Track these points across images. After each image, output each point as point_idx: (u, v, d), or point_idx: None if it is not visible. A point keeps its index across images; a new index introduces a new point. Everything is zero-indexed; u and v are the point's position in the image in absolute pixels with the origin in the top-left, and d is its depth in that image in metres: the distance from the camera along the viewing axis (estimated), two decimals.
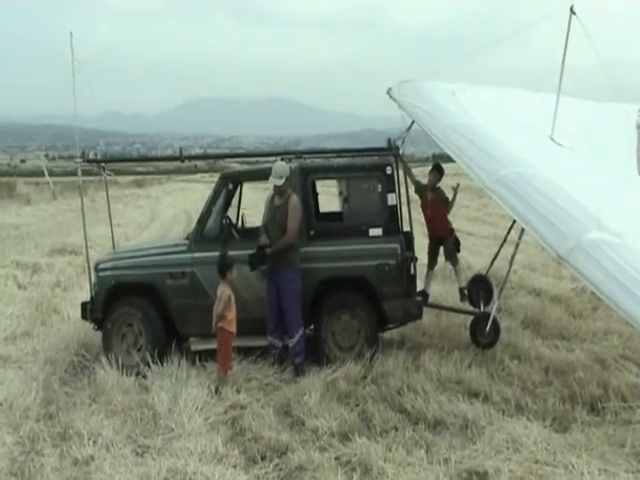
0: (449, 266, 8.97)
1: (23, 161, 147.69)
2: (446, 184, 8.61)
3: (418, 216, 8.43)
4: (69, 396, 6.67)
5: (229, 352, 6.82)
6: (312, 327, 7.60)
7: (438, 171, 8.49)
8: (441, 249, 8.56)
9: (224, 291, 6.77)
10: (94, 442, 5.44)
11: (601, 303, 7.67)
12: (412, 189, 8.26)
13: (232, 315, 6.79)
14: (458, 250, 8.54)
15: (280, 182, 7.14)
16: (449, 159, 6.97)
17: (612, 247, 5.30)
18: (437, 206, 8.38)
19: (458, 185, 8.48)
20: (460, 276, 8.52)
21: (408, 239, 7.74)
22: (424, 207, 8.47)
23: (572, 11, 7.62)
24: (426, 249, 8.62)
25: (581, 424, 5.64)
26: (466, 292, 8.37)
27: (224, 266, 6.85)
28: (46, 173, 41.65)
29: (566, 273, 10.53)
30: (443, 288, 10.04)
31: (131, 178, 59.96)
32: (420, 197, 8.50)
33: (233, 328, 6.79)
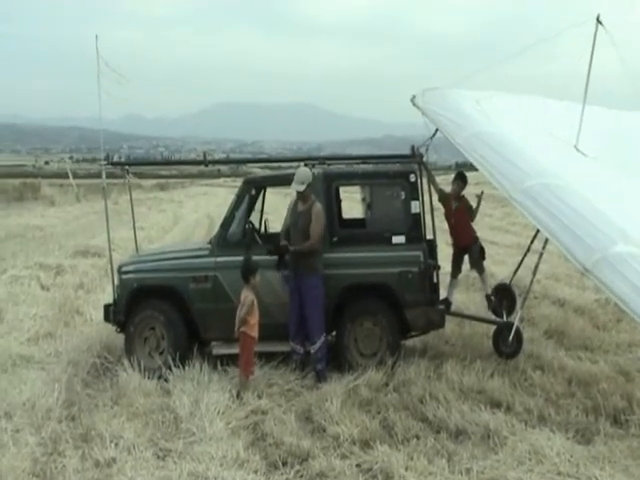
0: (472, 275, 8.93)
1: (47, 163, 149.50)
2: (469, 192, 8.57)
3: (441, 224, 8.40)
4: (91, 398, 6.71)
5: (251, 357, 6.84)
6: (334, 333, 7.59)
7: (462, 180, 8.46)
8: (466, 258, 8.52)
9: (247, 296, 6.79)
10: (116, 444, 5.47)
11: (625, 315, 7.57)
12: (436, 197, 8.23)
13: (255, 320, 6.80)
14: (483, 258, 8.50)
15: (302, 188, 7.16)
16: (472, 167, 6.93)
17: (638, 260, 5.25)
18: (461, 215, 8.35)
19: (482, 193, 8.44)
20: (486, 284, 8.48)
21: (431, 247, 7.72)
22: (448, 216, 8.44)
23: (599, 21, 7.56)
24: (449, 257, 8.58)
25: (604, 436, 5.59)
26: (492, 299, 8.32)
27: (248, 271, 6.87)
28: (70, 175, 42.12)
29: (590, 284, 10.43)
30: (466, 297, 10.00)
31: (154, 181, 60.45)
32: (444, 206, 8.47)
33: (255, 333, 6.81)
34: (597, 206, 5.95)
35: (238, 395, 6.51)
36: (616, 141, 8.33)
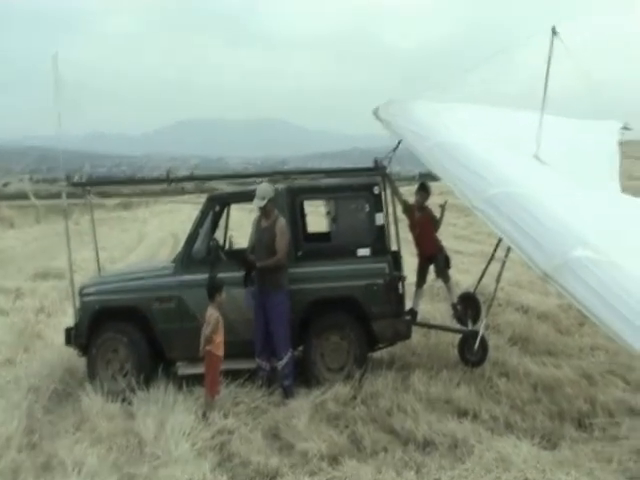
0: (437, 284, 8.96)
1: (6, 184, 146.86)
2: (433, 202, 8.62)
3: (405, 235, 8.43)
4: (53, 424, 6.56)
5: (217, 376, 6.74)
6: (301, 348, 7.55)
7: (425, 190, 8.50)
8: (431, 268, 8.54)
9: (212, 314, 6.70)
10: (78, 472, 5.33)
11: (587, 319, 7.68)
12: (399, 209, 8.26)
13: (220, 338, 6.72)
14: (449, 267, 8.53)
15: (262, 203, 7.14)
16: (435, 178, 6.97)
17: (597, 264, 5.32)
18: (425, 225, 8.38)
19: (446, 203, 8.48)
20: (452, 292, 8.51)
21: (396, 258, 7.75)
22: (412, 226, 8.46)
23: (554, 31, 7.70)
24: (414, 268, 8.60)
25: (569, 441, 5.67)
26: (458, 308, 8.36)
27: (213, 288, 6.79)
28: (31, 196, 41.42)
29: (552, 290, 10.53)
30: (431, 306, 10.02)
31: (117, 200, 59.79)
32: (408, 217, 8.49)
33: (221, 352, 6.72)
34: (557, 213, 6.03)
35: (204, 415, 6.42)
36: (575, 149, 8.47)
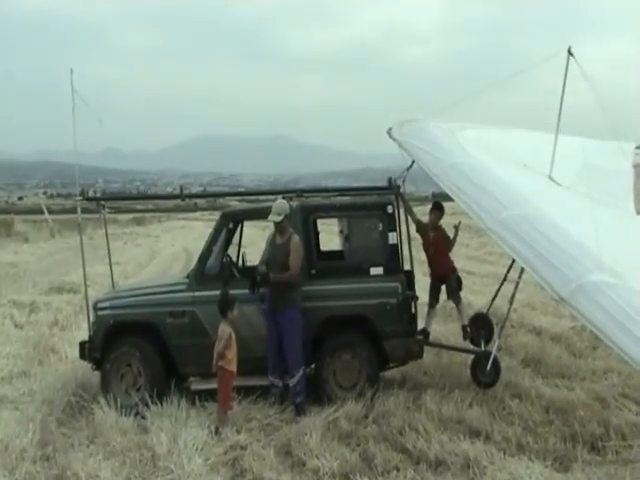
0: (450, 305, 8.96)
1: (21, 199, 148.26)
2: (446, 222, 8.65)
3: (418, 255, 8.45)
4: (66, 437, 6.59)
5: (229, 392, 6.77)
6: (313, 366, 7.56)
7: (439, 209, 8.52)
8: (443, 287, 8.55)
9: (225, 330, 6.74)
10: None
11: (601, 342, 7.65)
12: (413, 228, 8.29)
13: (232, 354, 6.75)
14: (460, 289, 8.53)
15: (278, 219, 7.19)
16: (448, 198, 7.01)
17: (613, 289, 5.31)
18: (439, 245, 8.39)
19: (459, 223, 8.50)
20: (463, 314, 8.50)
21: (409, 278, 7.77)
22: (426, 246, 8.47)
23: (570, 52, 7.75)
24: (427, 288, 8.61)
25: (582, 463, 5.62)
26: (469, 330, 8.35)
27: (225, 305, 6.84)
28: (46, 211, 41.77)
29: (565, 312, 10.52)
30: (444, 327, 10.02)
31: (130, 216, 60.17)
32: (422, 236, 8.51)
33: (233, 367, 6.75)
34: (572, 235, 6.04)
35: (217, 431, 6.43)
36: (589, 170, 8.48)
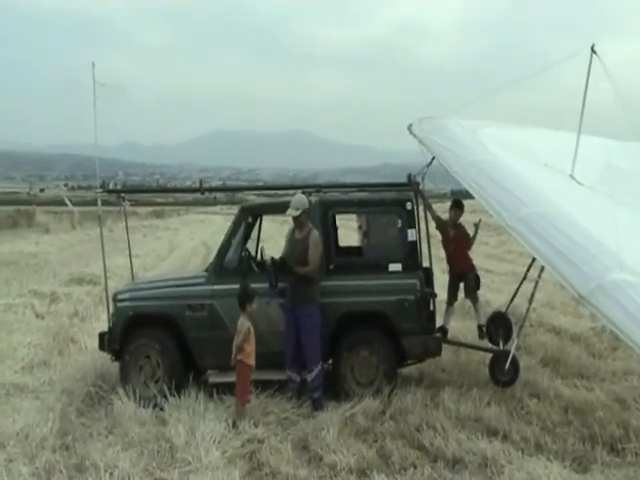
0: (468, 303, 8.91)
1: (42, 190, 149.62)
2: (466, 220, 8.61)
3: (437, 252, 8.42)
4: (86, 427, 6.66)
5: (247, 385, 6.80)
6: (330, 362, 7.57)
7: (458, 207, 8.48)
8: (461, 285, 8.52)
9: (243, 323, 6.77)
10: (110, 474, 5.40)
11: (621, 343, 7.60)
12: (432, 225, 8.26)
13: (251, 348, 6.78)
14: (478, 287, 8.49)
15: (296, 213, 7.19)
16: (468, 195, 6.97)
17: (634, 288, 5.26)
18: (459, 243, 8.36)
19: (480, 221, 8.47)
20: (480, 313, 8.45)
21: (428, 275, 7.74)
22: (446, 243, 8.44)
23: (593, 50, 7.65)
24: (445, 285, 8.58)
25: (601, 465, 5.58)
26: (484, 330, 8.31)
27: (245, 298, 6.86)
28: (69, 203, 42.13)
29: (585, 312, 10.46)
30: (462, 325, 9.98)
31: (150, 209, 60.57)
32: (441, 233, 8.48)
33: (252, 361, 6.78)
34: (593, 234, 5.98)
35: (234, 424, 6.47)
36: (611, 170, 8.39)
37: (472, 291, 8.42)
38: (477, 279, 8.48)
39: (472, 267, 8.44)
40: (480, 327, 8.35)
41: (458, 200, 8.74)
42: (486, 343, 8.34)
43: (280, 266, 7.11)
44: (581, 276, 5.45)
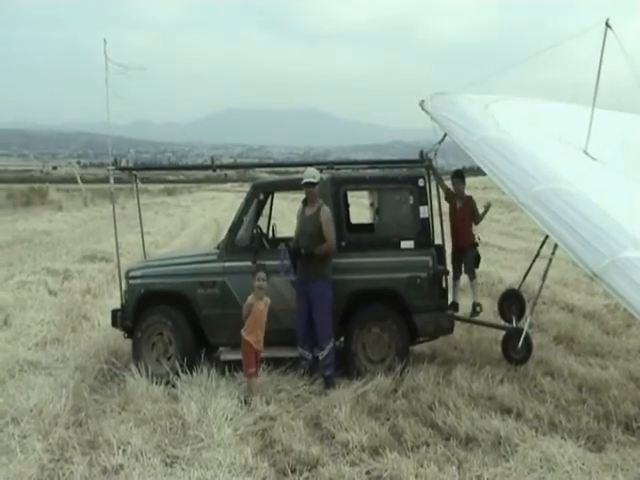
0: (480, 280, 8.85)
1: (55, 168, 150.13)
2: (479, 198, 8.51)
3: (449, 229, 8.34)
4: (99, 404, 6.69)
5: (250, 360, 6.74)
6: (342, 339, 7.55)
7: (457, 177, 8.42)
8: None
9: (247, 300, 6.76)
10: (123, 451, 5.43)
11: (635, 320, 7.53)
12: (445, 204, 8.17)
13: (254, 324, 6.73)
14: (477, 266, 8.40)
15: (314, 180, 7.15)
16: (479, 172, 6.90)
17: None
18: (464, 216, 8.29)
19: (490, 205, 8.41)
20: (476, 291, 8.43)
21: (440, 252, 7.68)
22: (452, 215, 8.37)
23: (607, 25, 7.52)
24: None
25: (616, 444, 5.52)
26: (478, 309, 8.25)
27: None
28: (79, 180, 42.34)
29: (599, 289, 10.36)
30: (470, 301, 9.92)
31: (162, 186, 60.73)
32: (449, 203, 8.42)
33: (252, 338, 6.72)
34: (606, 211, 5.92)
35: (246, 401, 6.48)
36: (626, 145, 8.27)
37: (470, 268, 8.34)
38: (477, 257, 8.39)
39: (474, 245, 8.34)
40: (475, 305, 8.29)
41: (458, 171, 8.65)
42: (494, 319, 8.27)
43: (297, 254, 7.07)
44: (594, 253, 5.41)
